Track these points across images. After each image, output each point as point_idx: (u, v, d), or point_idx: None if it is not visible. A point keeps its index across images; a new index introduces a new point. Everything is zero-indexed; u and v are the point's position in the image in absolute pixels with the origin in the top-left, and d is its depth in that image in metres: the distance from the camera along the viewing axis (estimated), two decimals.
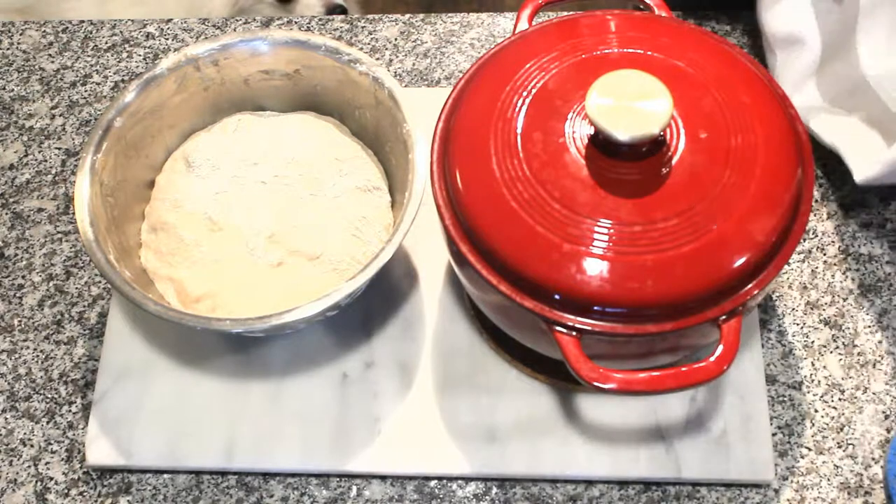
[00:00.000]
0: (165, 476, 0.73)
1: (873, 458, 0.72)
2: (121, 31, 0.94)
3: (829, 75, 0.80)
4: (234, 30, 0.93)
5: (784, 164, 0.62)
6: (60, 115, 0.89)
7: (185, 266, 0.73)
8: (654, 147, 0.60)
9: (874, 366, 0.75)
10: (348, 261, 0.72)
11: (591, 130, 0.61)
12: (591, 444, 0.72)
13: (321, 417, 0.73)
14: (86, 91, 0.91)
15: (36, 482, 0.73)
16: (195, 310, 0.71)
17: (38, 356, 0.78)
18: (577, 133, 0.62)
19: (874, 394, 0.74)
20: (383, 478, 0.73)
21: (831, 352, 0.75)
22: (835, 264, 0.79)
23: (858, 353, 0.75)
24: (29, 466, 0.74)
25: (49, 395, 0.77)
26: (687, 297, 0.59)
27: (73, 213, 0.83)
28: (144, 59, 0.92)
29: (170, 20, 0.94)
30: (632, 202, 0.59)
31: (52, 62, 0.92)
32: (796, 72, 0.81)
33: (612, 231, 0.59)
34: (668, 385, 0.59)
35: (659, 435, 0.72)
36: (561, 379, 0.73)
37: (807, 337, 0.76)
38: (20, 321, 0.80)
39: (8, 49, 0.94)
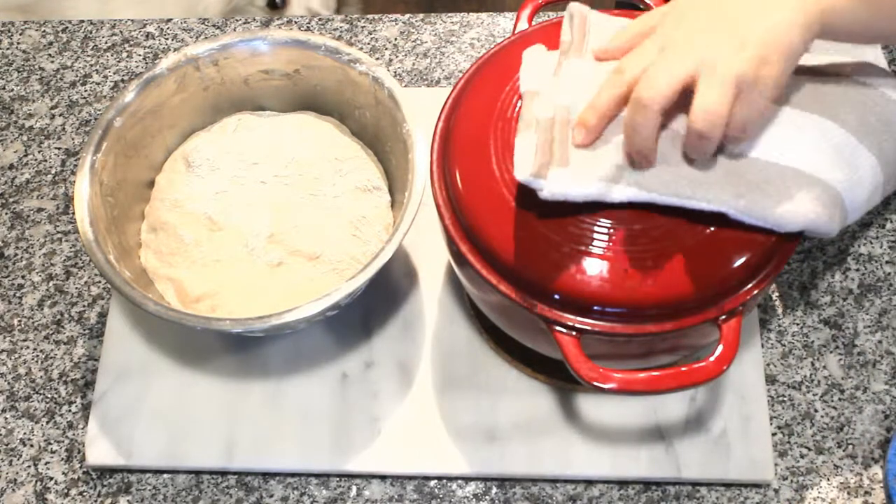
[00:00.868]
0: (165, 476, 0.73)
1: (873, 458, 0.72)
2: (120, 31, 0.94)
3: None
4: (234, 30, 0.93)
5: None
6: (60, 115, 0.89)
7: (185, 266, 0.73)
8: None
9: (874, 366, 0.75)
10: (348, 261, 0.72)
11: None
12: (591, 444, 0.72)
13: (321, 417, 0.73)
14: (86, 91, 0.91)
15: (36, 482, 0.73)
16: (195, 309, 0.71)
17: (38, 356, 0.78)
18: None
19: (874, 394, 0.74)
20: (383, 478, 0.73)
21: (831, 352, 0.75)
22: (835, 264, 0.79)
23: (858, 353, 0.75)
24: (29, 466, 0.74)
25: (49, 395, 0.77)
26: (687, 296, 0.59)
27: (73, 213, 0.83)
28: (144, 59, 0.92)
29: (169, 20, 0.94)
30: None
31: (52, 62, 0.92)
32: None
33: (611, 231, 0.59)
34: (668, 385, 0.59)
35: (659, 435, 0.72)
36: (561, 379, 0.73)
37: (807, 337, 0.76)
38: (20, 321, 0.80)
39: (8, 49, 0.94)
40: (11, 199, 0.85)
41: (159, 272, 0.74)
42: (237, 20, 0.94)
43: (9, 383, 0.77)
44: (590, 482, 0.72)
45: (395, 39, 0.92)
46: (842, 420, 0.73)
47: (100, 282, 0.81)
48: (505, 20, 0.92)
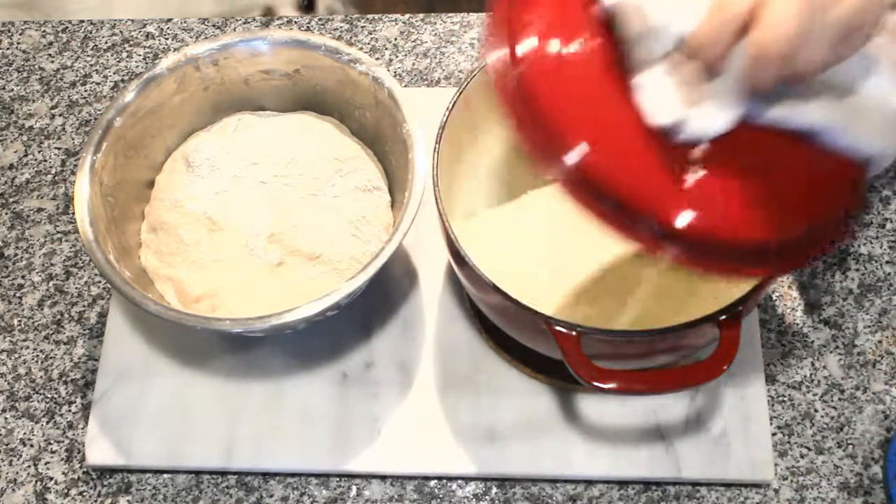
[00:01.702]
0: (165, 476, 0.73)
1: (873, 458, 0.72)
2: (120, 31, 0.94)
3: None
4: (234, 30, 0.93)
5: None
6: (60, 115, 0.89)
7: (185, 266, 0.73)
8: None
9: (874, 366, 0.75)
10: (348, 261, 0.72)
11: None
12: (591, 444, 0.72)
13: (321, 417, 0.73)
14: (86, 91, 0.91)
15: (36, 482, 0.73)
16: (195, 310, 0.71)
17: (38, 356, 0.78)
18: None
19: (874, 394, 0.74)
20: (383, 478, 0.73)
21: (831, 352, 0.75)
22: (835, 264, 0.79)
23: (858, 353, 0.75)
24: (29, 466, 0.74)
25: (49, 395, 0.77)
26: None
27: (73, 213, 0.83)
28: (144, 58, 0.92)
29: (169, 20, 0.94)
30: None
31: (52, 62, 0.92)
32: None
33: None
34: (668, 385, 0.59)
35: (659, 435, 0.72)
36: (561, 379, 0.73)
37: (807, 337, 0.76)
38: (20, 321, 0.80)
39: (8, 49, 0.94)
40: (11, 199, 0.85)
41: (159, 272, 0.74)
42: (237, 20, 0.94)
43: (9, 383, 0.77)
44: (590, 482, 0.72)
45: (395, 39, 0.92)
46: (842, 420, 0.73)
47: (100, 282, 0.81)
48: None
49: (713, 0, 0.51)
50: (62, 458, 0.74)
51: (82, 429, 0.75)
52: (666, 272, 0.73)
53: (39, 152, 0.88)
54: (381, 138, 0.77)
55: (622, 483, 0.71)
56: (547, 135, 0.52)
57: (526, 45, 0.53)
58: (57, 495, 0.73)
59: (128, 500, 0.73)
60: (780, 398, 0.74)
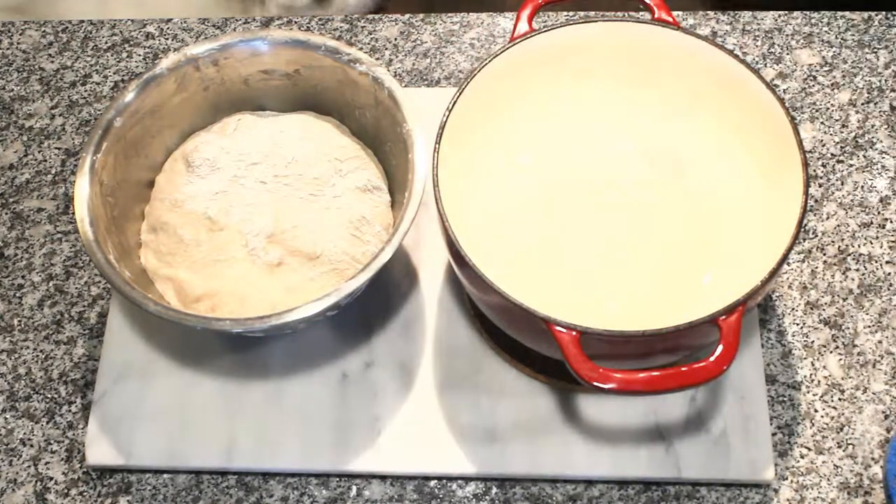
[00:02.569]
0: (165, 476, 0.73)
1: (873, 458, 0.72)
2: (120, 31, 0.94)
3: None
4: (234, 30, 0.93)
5: None
6: (60, 115, 0.89)
7: (185, 266, 0.73)
8: None
9: (874, 366, 0.75)
10: (348, 261, 0.72)
11: None
12: (591, 444, 0.72)
13: (321, 417, 0.73)
14: (86, 91, 0.91)
15: (36, 482, 0.73)
16: (195, 310, 0.71)
17: (38, 356, 0.78)
18: None
19: (874, 394, 0.74)
20: (383, 478, 0.72)
21: (831, 352, 0.75)
22: (835, 264, 0.79)
23: (858, 353, 0.75)
24: (29, 466, 0.74)
25: (49, 395, 0.77)
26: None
27: (73, 213, 0.83)
28: (144, 59, 0.92)
29: (169, 20, 0.94)
30: None
31: (52, 62, 0.92)
32: None
33: None
34: (668, 385, 0.59)
35: (659, 435, 0.72)
36: (561, 379, 0.73)
37: (807, 337, 0.76)
38: (20, 321, 0.80)
39: (8, 49, 0.94)
40: (11, 199, 0.85)
41: (159, 272, 0.74)
42: (237, 20, 0.94)
43: (9, 383, 0.77)
44: (590, 482, 0.72)
45: (395, 39, 0.92)
46: (842, 420, 0.73)
47: (100, 282, 0.81)
48: (505, 20, 0.92)
49: None
50: (62, 458, 0.74)
51: (82, 429, 0.75)
52: (666, 272, 0.73)
53: (39, 152, 0.88)
54: (381, 138, 0.77)
55: (622, 483, 0.71)
56: None
57: None
58: (57, 495, 0.73)
59: (128, 500, 0.73)
60: (780, 398, 0.74)
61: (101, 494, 0.73)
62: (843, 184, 0.82)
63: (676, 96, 0.75)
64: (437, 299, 0.78)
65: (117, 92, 0.90)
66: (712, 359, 0.59)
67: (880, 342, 0.76)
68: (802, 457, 0.72)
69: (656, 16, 0.72)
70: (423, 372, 0.75)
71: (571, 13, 0.91)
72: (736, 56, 0.70)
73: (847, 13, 0.91)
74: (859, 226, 0.80)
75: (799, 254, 0.79)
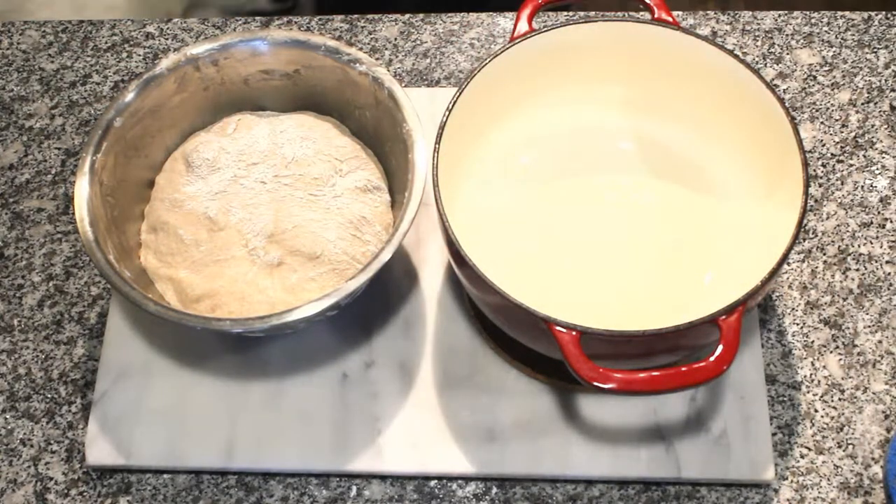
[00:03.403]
0: (165, 476, 0.73)
1: (873, 458, 0.72)
2: (120, 31, 0.94)
3: None
4: (234, 30, 0.93)
5: None
6: (60, 115, 0.89)
7: (185, 266, 0.73)
8: None
9: (874, 366, 0.75)
10: (348, 261, 0.72)
11: None
12: (591, 444, 0.72)
13: (321, 417, 0.73)
14: (86, 91, 0.91)
15: (36, 482, 0.73)
16: (195, 310, 0.71)
17: (38, 356, 0.78)
18: None
19: (874, 394, 0.74)
20: (383, 478, 0.72)
21: (831, 352, 0.75)
22: (835, 264, 0.79)
23: (858, 353, 0.75)
24: (29, 466, 0.74)
25: (49, 395, 0.77)
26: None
27: (73, 213, 0.83)
28: (144, 59, 0.92)
29: (170, 20, 0.94)
30: None
31: (52, 62, 0.92)
32: None
33: None
34: (668, 385, 0.59)
35: (659, 435, 0.72)
36: (561, 379, 0.73)
37: (807, 337, 0.76)
38: (20, 321, 0.80)
39: (8, 49, 0.94)
40: (11, 199, 0.85)
41: (159, 272, 0.74)
42: (237, 20, 0.94)
43: (9, 383, 0.77)
44: (590, 482, 0.72)
45: (395, 39, 0.92)
46: (842, 420, 0.73)
47: (100, 282, 0.81)
48: (505, 20, 0.92)
49: None
50: (62, 458, 0.74)
51: (82, 429, 0.75)
52: (666, 272, 0.73)
53: (39, 152, 0.88)
54: (381, 138, 0.77)
55: (622, 483, 0.71)
56: None
57: None
58: (57, 495, 0.73)
59: (128, 500, 0.73)
60: (780, 398, 0.74)
61: (101, 494, 0.73)
62: (843, 184, 0.82)
63: (676, 96, 0.75)
64: (437, 299, 0.78)
65: (117, 92, 0.90)
66: (712, 359, 0.59)
67: (880, 342, 0.76)
68: (802, 457, 0.72)
69: (656, 16, 0.72)
70: (423, 372, 0.75)
71: (571, 13, 0.91)
72: (736, 56, 0.70)
73: (847, 13, 0.91)
74: (859, 226, 0.80)
75: (799, 254, 0.79)
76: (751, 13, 0.91)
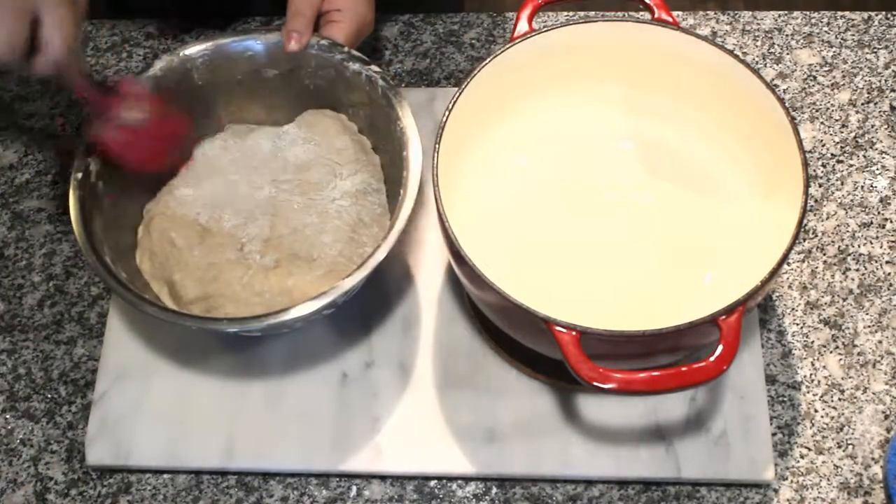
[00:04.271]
0: (165, 476, 0.73)
1: (873, 458, 0.72)
2: (120, 31, 0.94)
3: None
4: (233, 29, 0.93)
5: None
6: (60, 115, 0.89)
7: (180, 268, 0.73)
8: None
9: (874, 366, 0.75)
10: (344, 262, 0.72)
11: None
12: (591, 444, 0.72)
13: (321, 417, 0.73)
14: None
15: (36, 482, 0.73)
16: (190, 311, 0.71)
17: (38, 356, 0.78)
18: None
19: (874, 394, 0.74)
20: (383, 478, 0.72)
21: (831, 352, 0.75)
22: (835, 264, 0.79)
23: (858, 353, 0.75)
24: (29, 466, 0.74)
25: (49, 395, 0.77)
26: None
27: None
28: (144, 58, 0.92)
29: (170, 20, 0.94)
30: None
31: None
32: None
33: None
34: (668, 385, 0.59)
35: (659, 435, 0.72)
36: (561, 379, 0.73)
37: (807, 337, 0.76)
38: (20, 321, 0.80)
39: None
40: (11, 199, 0.85)
41: (154, 274, 0.74)
42: (237, 20, 0.94)
43: (9, 383, 0.77)
44: (590, 482, 0.72)
45: (395, 39, 0.92)
46: (842, 420, 0.73)
47: (100, 282, 0.81)
48: (505, 20, 0.92)
49: None
50: (62, 458, 0.74)
51: (82, 429, 0.75)
52: (666, 272, 0.73)
53: (39, 152, 0.87)
54: (375, 137, 0.77)
55: (622, 483, 0.71)
56: None
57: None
58: (57, 495, 0.73)
59: (128, 500, 0.73)
60: (780, 398, 0.74)
61: (101, 494, 0.73)
62: (843, 184, 0.82)
63: (676, 96, 0.75)
64: (437, 299, 0.78)
65: None
66: (712, 359, 0.59)
67: (880, 342, 0.76)
68: (802, 457, 0.72)
69: (656, 16, 0.72)
70: (423, 372, 0.75)
71: (571, 13, 0.91)
72: (736, 56, 0.70)
73: (847, 13, 0.91)
74: (859, 226, 0.80)
75: (799, 254, 0.79)
76: (751, 13, 0.91)
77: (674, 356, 0.67)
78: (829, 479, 0.71)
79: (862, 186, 0.82)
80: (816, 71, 0.88)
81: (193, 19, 0.93)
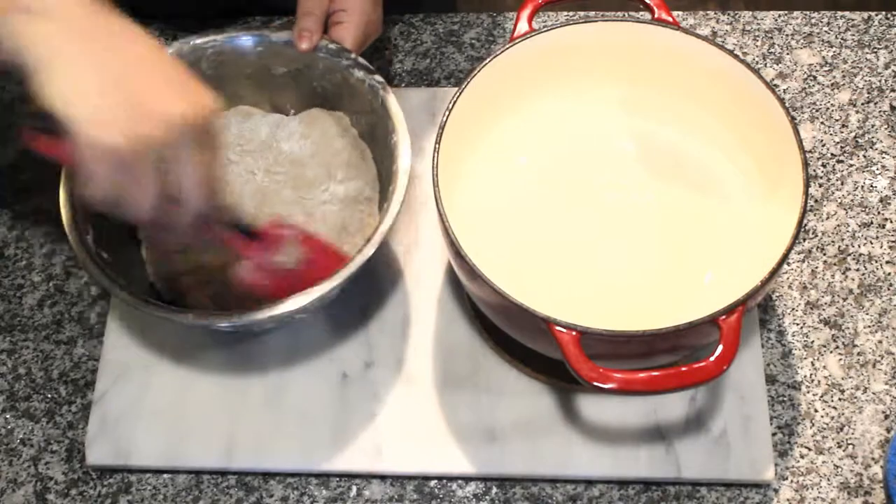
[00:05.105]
0: (165, 476, 0.73)
1: (873, 458, 0.72)
2: None
3: None
4: (235, 28, 0.93)
5: None
6: None
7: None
8: None
9: (874, 366, 0.75)
10: None
11: None
12: (591, 444, 0.72)
13: (321, 417, 0.73)
14: None
15: (36, 482, 0.73)
16: (180, 283, 0.72)
17: (38, 356, 0.78)
18: None
19: (874, 394, 0.74)
20: (383, 478, 0.72)
21: (831, 352, 0.75)
22: (835, 264, 0.79)
23: (858, 353, 0.75)
24: (29, 466, 0.74)
25: (49, 395, 0.77)
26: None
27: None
28: None
29: (170, 20, 0.94)
30: None
31: None
32: None
33: None
34: (668, 385, 0.59)
35: (659, 435, 0.72)
36: (561, 379, 0.73)
37: (807, 337, 0.76)
38: (20, 321, 0.80)
39: None
40: (11, 199, 0.85)
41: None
42: (237, 20, 0.94)
43: (9, 383, 0.77)
44: (590, 482, 0.72)
45: (395, 39, 0.92)
46: (842, 420, 0.73)
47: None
48: (505, 20, 0.92)
49: None
50: (62, 458, 0.74)
51: (82, 429, 0.75)
52: (666, 272, 0.73)
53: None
54: (374, 146, 0.77)
55: (622, 483, 0.71)
56: None
57: None
58: (57, 495, 0.73)
59: (128, 500, 0.73)
60: (780, 398, 0.74)
61: (101, 494, 0.73)
62: (843, 184, 0.82)
63: (676, 96, 0.75)
64: (437, 299, 0.78)
65: None
66: (712, 359, 0.59)
67: (880, 342, 0.76)
68: (802, 457, 0.72)
69: (656, 16, 0.72)
70: (423, 372, 0.75)
71: (571, 13, 0.91)
72: (736, 56, 0.70)
73: (847, 13, 0.91)
74: (859, 226, 0.80)
75: (799, 254, 0.79)
76: (751, 13, 0.91)
77: (674, 356, 0.67)
78: (829, 479, 0.71)
79: (862, 186, 0.82)
80: (816, 71, 0.88)
81: (194, 20, 0.93)
